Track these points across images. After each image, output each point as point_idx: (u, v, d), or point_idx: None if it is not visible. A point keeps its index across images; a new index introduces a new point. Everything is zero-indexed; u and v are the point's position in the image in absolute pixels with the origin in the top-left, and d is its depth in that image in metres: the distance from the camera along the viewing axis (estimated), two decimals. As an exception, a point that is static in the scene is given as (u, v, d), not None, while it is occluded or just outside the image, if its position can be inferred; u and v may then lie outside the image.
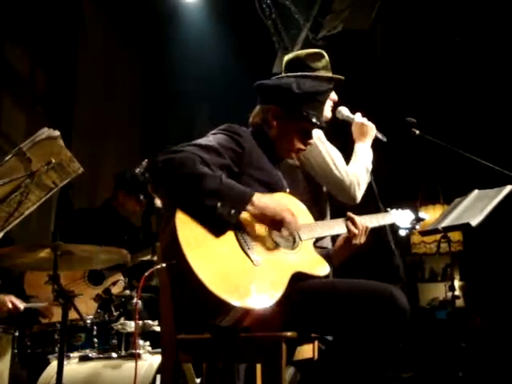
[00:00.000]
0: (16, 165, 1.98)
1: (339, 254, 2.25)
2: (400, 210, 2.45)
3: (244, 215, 1.94)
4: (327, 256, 2.21)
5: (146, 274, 2.00)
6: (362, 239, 2.20)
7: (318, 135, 2.49)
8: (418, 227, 2.49)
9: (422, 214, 2.49)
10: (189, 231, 1.85)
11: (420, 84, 6.07)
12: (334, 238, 2.69)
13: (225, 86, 5.89)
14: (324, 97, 2.24)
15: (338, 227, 2.20)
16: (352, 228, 2.18)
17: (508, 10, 5.20)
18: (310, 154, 2.49)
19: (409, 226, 2.45)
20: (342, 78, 2.72)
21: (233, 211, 1.87)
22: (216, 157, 1.96)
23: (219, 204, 1.85)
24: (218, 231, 1.88)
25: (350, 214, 2.23)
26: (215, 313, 1.83)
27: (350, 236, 2.19)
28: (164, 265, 1.89)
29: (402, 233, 2.46)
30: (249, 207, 1.92)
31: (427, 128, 2.93)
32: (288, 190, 2.23)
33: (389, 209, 2.43)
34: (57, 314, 2.93)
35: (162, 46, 6.25)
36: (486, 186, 3.24)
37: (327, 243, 2.56)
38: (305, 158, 2.52)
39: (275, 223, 1.96)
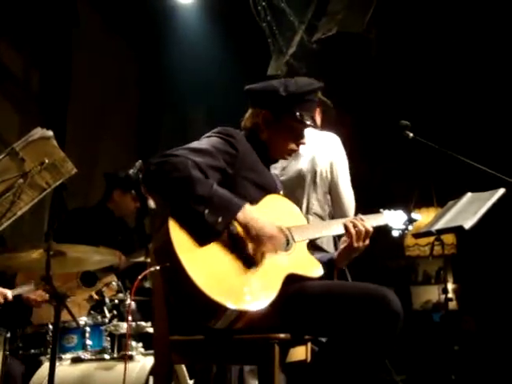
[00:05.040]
0: (9, 165, 1.97)
1: (342, 257, 2.21)
2: (392, 210, 2.44)
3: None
4: (330, 260, 2.20)
5: (140, 276, 2.00)
6: (362, 242, 2.15)
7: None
8: (410, 228, 2.47)
9: (414, 215, 2.48)
10: (182, 234, 1.85)
11: (414, 87, 6.09)
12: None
13: (221, 87, 5.89)
14: (313, 96, 2.24)
15: (330, 228, 2.20)
16: (351, 229, 2.16)
17: (504, 13, 5.22)
18: (341, 179, 2.98)
19: (402, 226, 2.43)
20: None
21: (220, 219, 1.85)
22: (209, 159, 1.95)
23: (207, 211, 1.83)
24: (204, 238, 1.86)
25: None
26: (209, 315, 1.82)
27: (350, 239, 2.17)
28: (158, 267, 1.89)
29: (395, 234, 2.44)
30: (238, 217, 1.89)
31: (421, 131, 2.94)
32: (282, 192, 2.23)
33: (381, 209, 2.42)
34: (49, 315, 2.91)
35: (157, 47, 6.25)
36: (480, 189, 3.25)
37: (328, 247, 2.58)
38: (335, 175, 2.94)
39: (256, 242, 1.93)
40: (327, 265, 2.15)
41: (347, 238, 2.17)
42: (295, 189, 2.97)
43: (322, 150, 3.00)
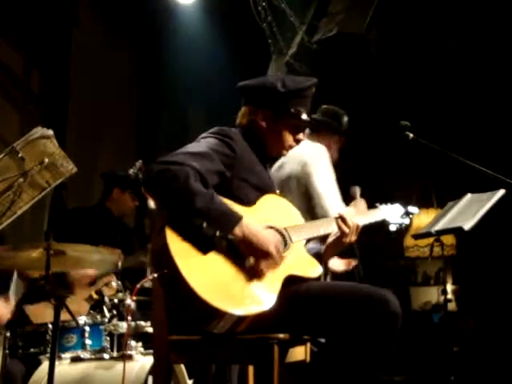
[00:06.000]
0: (9, 164, 1.97)
1: (330, 251, 2.25)
2: (389, 204, 2.44)
3: None
4: (318, 254, 2.21)
5: (138, 285, 2.00)
6: (352, 237, 2.19)
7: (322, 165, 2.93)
8: (408, 222, 2.47)
9: (411, 208, 2.47)
10: (179, 240, 1.84)
11: (414, 87, 6.10)
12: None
13: (220, 87, 5.89)
14: (309, 91, 2.24)
15: (328, 226, 2.20)
16: (343, 227, 2.18)
17: (503, 13, 5.23)
18: (317, 179, 2.92)
19: (399, 220, 2.43)
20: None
21: (218, 233, 1.84)
22: (209, 163, 1.94)
23: (205, 224, 1.83)
24: (202, 249, 1.86)
25: (340, 212, 2.22)
26: (208, 320, 1.82)
27: (341, 235, 2.18)
28: (155, 275, 1.88)
29: (393, 228, 2.44)
30: (236, 231, 1.88)
31: (421, 131, 2.94)
32: (278, 192, 2.23)
33: (378, 204, 2.42)
34: (49, 315, 2.91)
35: (157, 46, 6.25)
36: (479, 190, 3.25)
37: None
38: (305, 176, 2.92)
39: (259, 255, 1.92)
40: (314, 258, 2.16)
41: (339, 234, 2.18)
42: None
43: (295, 157, 2.96)
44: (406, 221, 2.45)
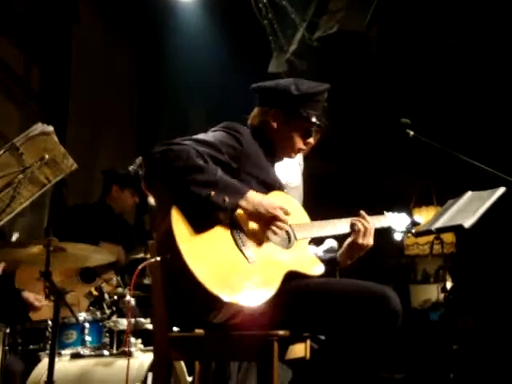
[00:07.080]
0: (9, 160, 1.98)
1: (345, 256, 2.22)
2: (396, 213, 2.44)
3: (239, 212, 1.94)
4: (332, 259, 2.21)
5: (140, 266, 2.00)
6: (367, 240, 2.17)
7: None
8: (413, 231, 2.48)
9: (417, 218, 2.48)
10: (184, 226, 1.86)
11: (415, 85, 6.09)
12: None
13: (221, 84, 5.88)
14: (322, 96, 2.25)
15: (334, 228, 2.19)
16: (358, 224, 2.17)
17: (503, 12, 5.22)
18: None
19: (404, 229, 2.44)
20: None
21: (227, 199, 1.87)
22: (213, 152, 1.97)
23: (213, 193, 1.86)
24: (212, 220, 1.88)
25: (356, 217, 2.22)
26: (207, 309, 1.83)
27: (355, 233, 2.17)
28: (158, 259, 1.89)
29: (398, 236, 2.44)
30: (242, 202, 1.92)
31: (422, 129, 2.93)
32: (285, 190, 2.23)
33: (385, 211, 2.42)
34: (48, 311, 2.91)
35: (157, 44, 6.24)
36: (480, 188, 3.25)
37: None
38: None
39: (268, 220, 1.96)
40: (329, 264, 2.16)
41: (353, 235, 2.18)
42: None
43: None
44: (411, 231, 2.45)
